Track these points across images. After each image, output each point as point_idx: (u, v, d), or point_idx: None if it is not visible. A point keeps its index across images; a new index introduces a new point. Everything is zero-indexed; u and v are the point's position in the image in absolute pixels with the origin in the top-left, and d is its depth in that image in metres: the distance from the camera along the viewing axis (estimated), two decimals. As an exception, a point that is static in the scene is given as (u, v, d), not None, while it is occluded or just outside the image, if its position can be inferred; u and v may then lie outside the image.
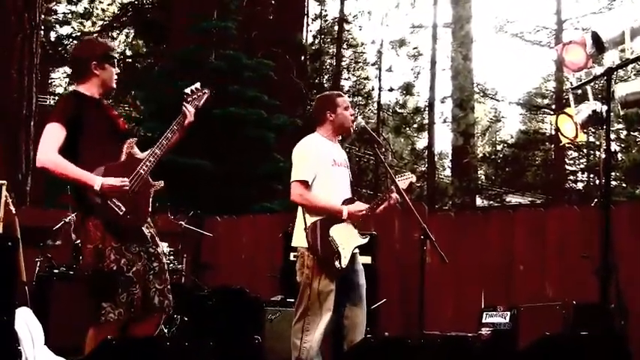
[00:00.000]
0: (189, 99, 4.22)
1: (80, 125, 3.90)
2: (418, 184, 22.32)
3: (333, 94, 5.05)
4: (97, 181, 3.79)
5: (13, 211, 5.38)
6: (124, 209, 3.85)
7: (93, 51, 4.10)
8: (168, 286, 4.10)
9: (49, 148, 3.82)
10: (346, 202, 4.74)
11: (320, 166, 4.69)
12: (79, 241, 5.30)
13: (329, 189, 4.70)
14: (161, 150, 4.04)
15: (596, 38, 5.57)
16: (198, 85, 4.28)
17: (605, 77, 4.94)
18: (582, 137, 6.00)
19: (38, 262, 6.48)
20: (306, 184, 4.65)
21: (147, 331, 4.04)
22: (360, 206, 4.72)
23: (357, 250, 4.76)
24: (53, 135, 3.86)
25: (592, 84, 5.81)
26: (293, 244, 4.74)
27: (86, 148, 3.91)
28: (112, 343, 3.30)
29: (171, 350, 3.31)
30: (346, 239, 4.64)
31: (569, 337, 5.40)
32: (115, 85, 4.21)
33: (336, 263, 4.54)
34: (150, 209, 4.04)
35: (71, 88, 4.20)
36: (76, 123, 3.90)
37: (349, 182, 4.91)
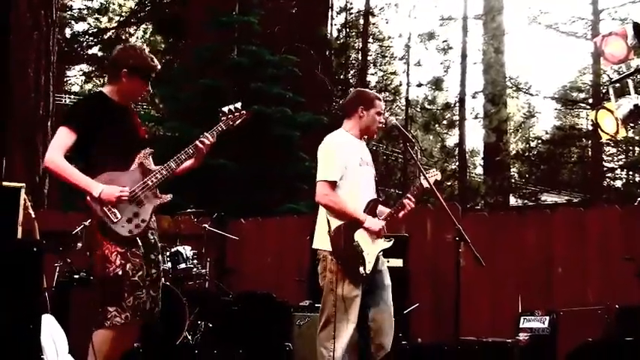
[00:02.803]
0: (223, 118, 4.24)
1: (95, 129, 3.97)
2: (449, 183, 22.08)
3: (372, 93, 4.91)
4: (97, 188, 3.87)
5: (33, 216, 5.29)
6: (119, 217, 3.90)
7: (127, 59, 4.12)
8: (160, 295, 4.16)
9: (55, 150, 3.93)
10: (371, 202, 4.62)
11: (348, 165, 4.56)
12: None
13: (355, 189, 4.57)
14: (177, 164, 4.10)
15: (637, 29, 5.35)
16: (239, 104, 4.29)
17: (648, 70, 4.75)
18: (623, 133, 5.78)
19: (58, 268, 6.43)
20: (332, 185, 4.52)
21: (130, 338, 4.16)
22: (379, 223, 4.58)
23: (381, 252, 4.65)
24: (61, 138, 3.96)
25: (633, 77, 5.59)
26: (314, 247, 4.63)
27: (98, 153, 3.98)
28: (139, 351, 3.30)
29: (200, 358, 3.31)
30: (370, 244, 4.53)
31: (612, 343, 5.24)
32: (138, 99, 4.33)
33: (361, 269, 4.43)
34: (153, 220, 4.13)
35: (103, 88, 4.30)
36: (91, 127, 3.97)
37: (374, 182, 4.79)
